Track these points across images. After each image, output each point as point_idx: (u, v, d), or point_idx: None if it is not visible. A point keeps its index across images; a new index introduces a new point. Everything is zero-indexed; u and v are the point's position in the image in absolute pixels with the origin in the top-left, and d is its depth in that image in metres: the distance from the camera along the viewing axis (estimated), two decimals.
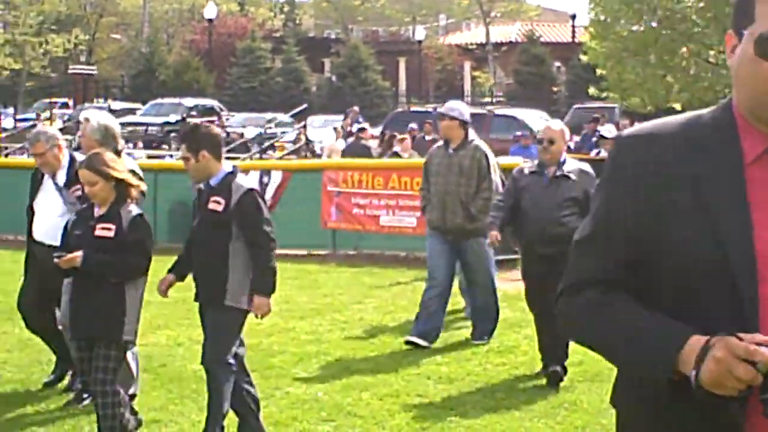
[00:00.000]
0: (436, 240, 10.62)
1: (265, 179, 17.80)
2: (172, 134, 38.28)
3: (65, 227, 7.07)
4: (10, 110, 50.17)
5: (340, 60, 57.99)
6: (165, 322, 11.50)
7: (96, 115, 8.48)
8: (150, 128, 39.14)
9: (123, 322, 6.68)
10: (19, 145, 32.06)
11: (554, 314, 2.72)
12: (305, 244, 17.34)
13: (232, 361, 7.02)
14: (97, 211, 6.80)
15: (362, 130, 24.74)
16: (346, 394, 8.54)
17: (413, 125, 25.84)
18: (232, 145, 32.15)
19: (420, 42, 62.24)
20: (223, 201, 6.94)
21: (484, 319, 10.64)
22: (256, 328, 9.97)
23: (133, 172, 7.37)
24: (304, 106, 38.24)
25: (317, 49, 62.88)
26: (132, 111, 42.44)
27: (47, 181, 8.41)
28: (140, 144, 34.95)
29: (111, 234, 6.67)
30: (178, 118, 39.81)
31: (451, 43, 67.73)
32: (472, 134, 10.57)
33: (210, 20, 56.05)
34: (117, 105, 44.11)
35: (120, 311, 6.69)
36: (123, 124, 37.29)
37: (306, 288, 14.07)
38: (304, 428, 7.68)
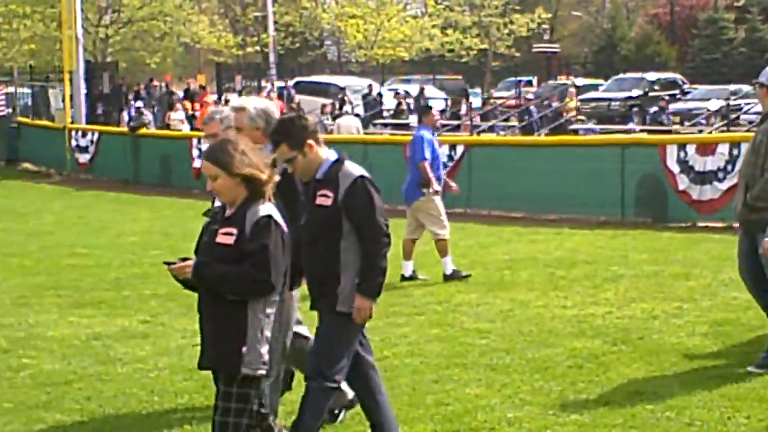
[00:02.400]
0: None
1: (735, 152, 17.49)
2: (634, 109, 38.24)
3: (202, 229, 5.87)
4: (477, 90, 51.93)
5: None
6: (639, 295, 11.69)
7: (251, 102, 7.30)
8: (612, 103, 39.26)
9: (240, 352, 5.40)
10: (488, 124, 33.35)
11: None
12: None
13: (338, 377, 6.40)
14: (227, 212, 5.60)
15: None
16: None
17: None
18: (695, 120, 31.70)
19: None
20: (331, 194, 6.31)
21: None
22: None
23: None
24: None
25: None
26: (594, 87, 42.72)
27: None
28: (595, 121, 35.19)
29: (231, 241, 5.45)
30: (640, 92, 39.68)
31: None
32: None
33: None
34: (579, 81, 44.53)
35: (237, 338, 5.43)
36: (585, 100, 38.00)
37: None
38: None
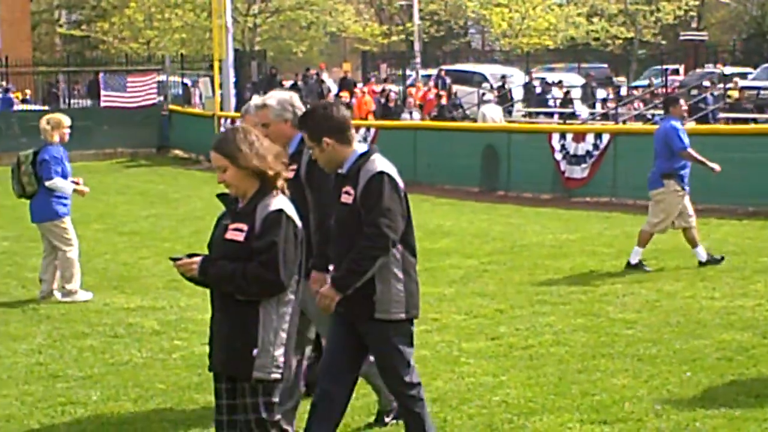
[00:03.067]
0: None
1: None
2: None
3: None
4: (623, 79, 51.24)
5: None
6: None
7: (274, 97, 6.98)
8: (762, 92, 38.34)
9: (251, 355, 5.15)
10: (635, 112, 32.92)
11: None
12: None
13: (414, 379, 6.10)
14: (239, 206, 5.30)
15: None
16: None
17: None
18: None
19: None
20: (352, 191, 5.91)
21: None
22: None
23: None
24: None
25: None
26: (743, 75, 41.77)
27: None
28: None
29: (241, 237, 5.16)
30: None
31: None
32: None
33: None
34: (728, 70, 43.61)
35: (248, 340, 5.17)
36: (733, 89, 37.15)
37: None
38: None
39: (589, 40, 59.11)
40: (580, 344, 9.28)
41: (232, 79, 32.85)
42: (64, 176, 11.87)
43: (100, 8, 61.14)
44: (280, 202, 5.20)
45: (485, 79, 38.54)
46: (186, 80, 40.62)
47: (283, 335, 5.20)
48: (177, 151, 34.11)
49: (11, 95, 37.68)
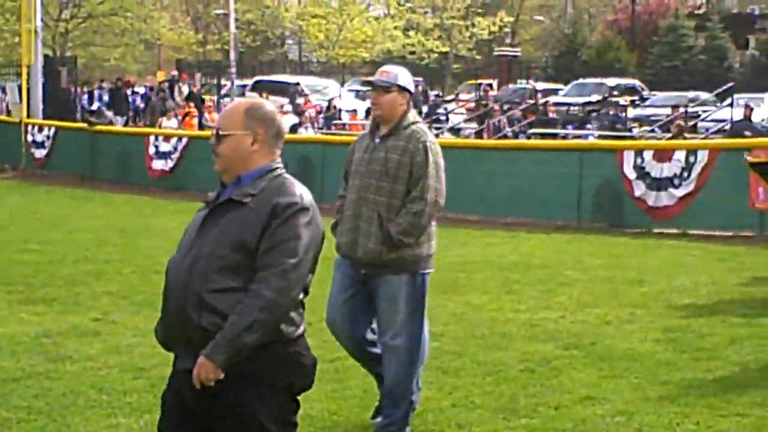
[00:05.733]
0: None
1: (691, 159, 17.61)
2: (593, 114, 38.38)
3: None
4: (436, 92, 52.01)
5: (766, 36, 55.89)
6: (593, 300, 11.73)
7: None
8: (572, 108, 39.40)
9: None
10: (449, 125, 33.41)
11: None
12: (731, 225, 17.08)
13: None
14: None
15: None
16: None
17: None
18: (654, 126, 31.85)
19: None
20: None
21: None
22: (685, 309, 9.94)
23: None
24: (731, 84, 37.12)
25: (742, 25, 60.84)
26: (554, 92, 42.87)
27: None
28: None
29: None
30: (600, 98, 39.85)
31: None
32: None
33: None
34: (540, 86, 44.68)
35: None
36: (544, 104, 38.09)
37: (734, 270, 13.82)
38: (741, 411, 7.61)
39: (405, 53, 59.78)
40: None
41: (41, 86, 31.96)
42: None
43: None
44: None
45: (301, 91, 38.59)
46: None
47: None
48: None
49: None
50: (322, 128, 33.02)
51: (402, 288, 7.02)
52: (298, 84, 39.76)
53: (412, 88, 7.06)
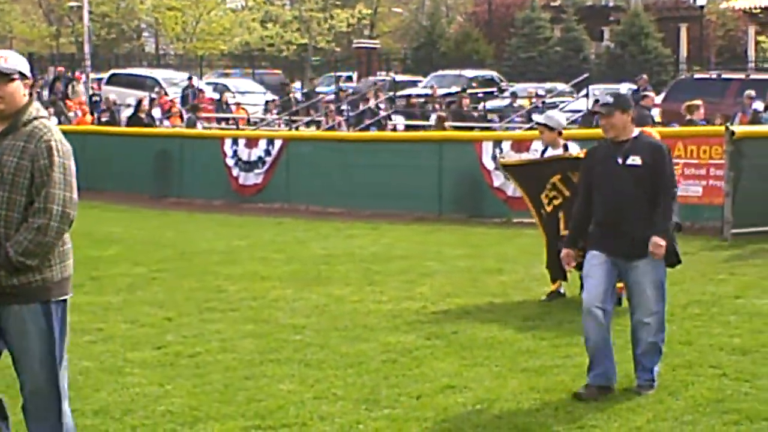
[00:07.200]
0: None
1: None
2: (452, 106, 38.69)
3: None
4: (298, 84, 51.89)
5: (620, 28, 57.08)
6: (453, 290, 11.81)
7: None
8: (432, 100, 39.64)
9: None
10: (307, 119, 33.33)
11: None
12: None
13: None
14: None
15: (644, 97, 24.31)
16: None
17: None
18: (511, 117, 32.26)
19: (702, 7, 60.48)
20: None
21: None
22: None
23: None
24: (586, 75, 37.81)
25: (596, 17, 62.05)
26: (414, 83, 43.10)
27: None
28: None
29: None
30: (459, 89, 40.19)
31: (735, 7, 65.42)
32: None
33: None
34: (399, 77, 44.89)
35: None
36: (404, 96, 38.31)
37: None
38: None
39: (263, 45, 59.47)
40: (248, 351, 9.19)
41: None
42: None
43: None
44: None
45: (158, 84, 38.10)
46: None
47: None
48: None
49: None
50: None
51: (34, 320, 5.67)
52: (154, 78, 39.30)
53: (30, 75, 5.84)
